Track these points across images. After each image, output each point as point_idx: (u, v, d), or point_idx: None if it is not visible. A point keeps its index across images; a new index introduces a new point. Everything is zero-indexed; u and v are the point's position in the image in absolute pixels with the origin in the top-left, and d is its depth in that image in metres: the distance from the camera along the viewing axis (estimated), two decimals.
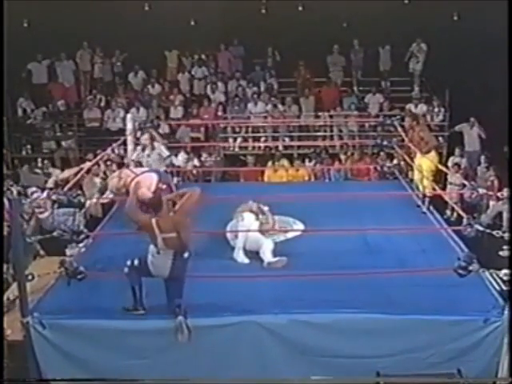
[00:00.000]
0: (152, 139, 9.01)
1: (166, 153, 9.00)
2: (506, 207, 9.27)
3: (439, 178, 11.08)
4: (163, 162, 8.91)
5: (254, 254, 6.86)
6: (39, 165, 12.77)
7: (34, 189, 9.27)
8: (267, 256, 6.72)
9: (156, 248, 5.54)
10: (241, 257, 6.87)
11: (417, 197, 8.71)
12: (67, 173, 8.65)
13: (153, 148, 8.87)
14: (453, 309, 5.65)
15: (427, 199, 8.50)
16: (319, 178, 12.50)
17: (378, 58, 14.98)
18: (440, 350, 5.56)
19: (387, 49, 14.85)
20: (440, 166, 8.97)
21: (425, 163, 8.67)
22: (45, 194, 8.84)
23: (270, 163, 12.51)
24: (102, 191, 8.77)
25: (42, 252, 7.80)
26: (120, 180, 7.10)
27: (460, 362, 5.55)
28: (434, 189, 8.54)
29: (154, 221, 5.48)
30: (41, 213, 8.64)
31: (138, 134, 9.43)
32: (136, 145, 9.30)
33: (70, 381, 5.69)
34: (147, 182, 6.72)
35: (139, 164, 8.76)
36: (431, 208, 8.46)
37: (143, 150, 8.91)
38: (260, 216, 7.30)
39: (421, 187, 8.76)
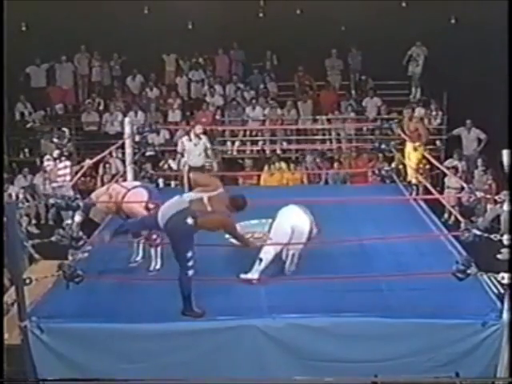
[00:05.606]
0: (203, 131, 8.83)
1: (208, 145, 8.83)
2: (504, 210, 9.27)
3: (436, 181, 11.15)
4: (206, 155, 8.66)
5: None
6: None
7: (48, 156, 9.38)
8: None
9: None
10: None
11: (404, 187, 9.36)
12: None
13: (200, 139, 8.65)
14: (451, 312, 5.65)
15: (415, 188, 9.24)
16: (313, 181, 12.43)
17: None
18: (438, 354, 5.55)
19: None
20: (426, 160, 9.46)
21: (413, 154, 9.44)
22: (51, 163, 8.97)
23: (266, 167, 12.49)
24: None
25: (37, 256, 7.75)
26: (110, 198, 6.66)
27: (458, 365, 5.55)
28: (418, 180, 9.31)
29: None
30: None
31: (137, 137, 9.36)
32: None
33: (69, 381, 5.68)
34: (138, 199, 6.47)
35: (181, 155, 8.53)
36: (427, 209, 8.48)
37: (190, 140, 8.66)
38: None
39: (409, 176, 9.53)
